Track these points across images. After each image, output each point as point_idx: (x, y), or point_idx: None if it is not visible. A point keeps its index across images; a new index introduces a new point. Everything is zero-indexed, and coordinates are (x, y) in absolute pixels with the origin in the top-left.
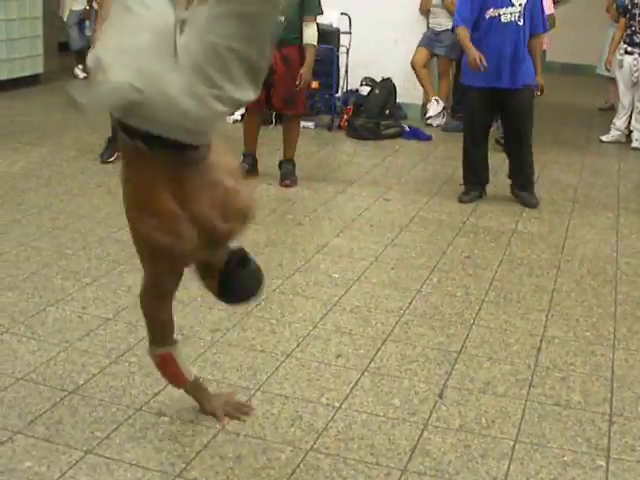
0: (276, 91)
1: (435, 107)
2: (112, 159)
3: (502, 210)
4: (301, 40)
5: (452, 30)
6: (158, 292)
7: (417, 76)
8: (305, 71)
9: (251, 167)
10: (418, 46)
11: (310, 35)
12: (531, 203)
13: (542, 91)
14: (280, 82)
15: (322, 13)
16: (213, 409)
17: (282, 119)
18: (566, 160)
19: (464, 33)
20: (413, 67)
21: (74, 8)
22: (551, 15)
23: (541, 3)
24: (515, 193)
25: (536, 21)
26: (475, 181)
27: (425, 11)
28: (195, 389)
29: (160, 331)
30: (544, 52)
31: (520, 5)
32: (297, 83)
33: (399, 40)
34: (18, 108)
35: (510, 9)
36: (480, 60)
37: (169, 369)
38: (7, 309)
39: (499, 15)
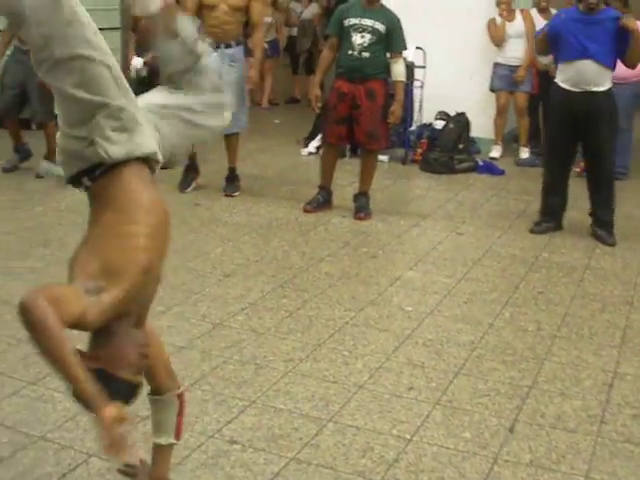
0: (359, 125)
1: (499, 150)
2: (189, 189)
3: (575, 245)
4: (385, 75)
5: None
6: None
7: (495, 121)
8: (396, 107)
9: (325, 200)
10: (495, 90)
11: (399, 71)
12: (607, 242)
13: None
14: (364, 117)
15: (407, 48)
16: None
17: (360, 152)
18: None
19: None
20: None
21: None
22: None
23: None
24: (594, 230)
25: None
26: (548, 212)
27: (498, 42)
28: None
29: None
30: None
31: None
32: (388, 120)
33: (474, 74)
34: None
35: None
36: None
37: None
38: (82, 334)
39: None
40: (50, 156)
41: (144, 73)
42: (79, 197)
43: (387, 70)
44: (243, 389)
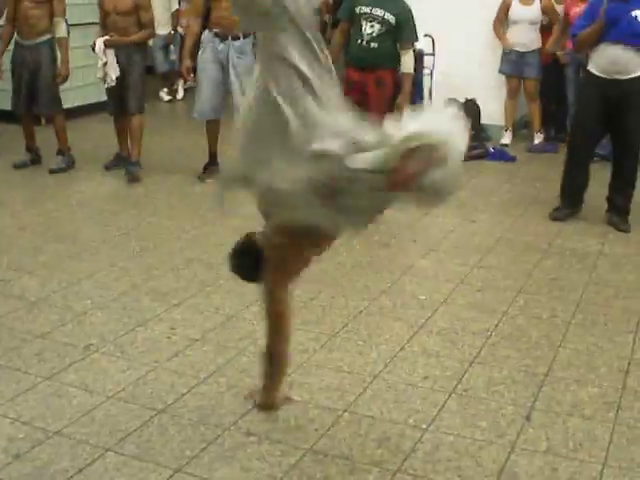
0: (369, 114)
1: (509, 137)
2: (209, 181)
3: (588, 231)
4: (395, 64)
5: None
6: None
7: (505, 105)
8: (402, 99)
9: None
10: (505, 74)
11: (406, 63)
12: (622, 229)
13: None
14: (372, 104)
15: (418, 39)
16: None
17: None
18: None
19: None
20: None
21: (159, 32)
22: None
23: None
24: (609, 217)
25: None
26: (569, 198)
27: (498, 28)
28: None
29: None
30: None
31: None
32: (393, 111)
33: (483, 61)
34: (103, 132)
35: None
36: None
37: None
38: (97, 329)
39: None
40: (64, 150)
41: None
42: (90, 192)
43: (397, 60)
44: (258, 381)
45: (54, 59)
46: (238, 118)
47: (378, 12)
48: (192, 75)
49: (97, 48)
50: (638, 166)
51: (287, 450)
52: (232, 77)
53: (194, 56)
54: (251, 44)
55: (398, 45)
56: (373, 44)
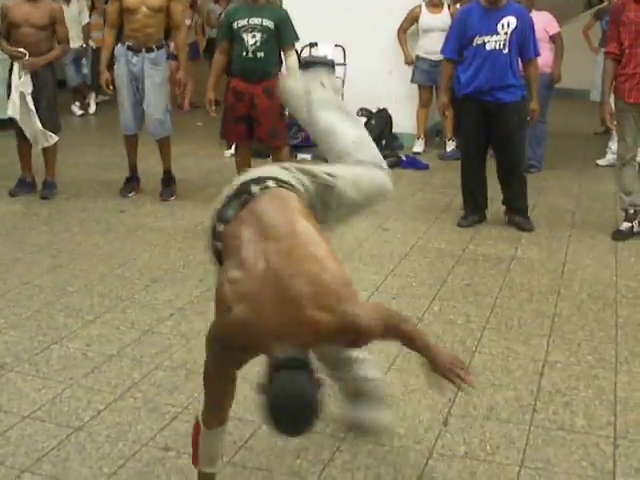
0: (260, 124)
1: (421, 145)
2: (132, 194)
3: (500, 237)
4: (279, 72)
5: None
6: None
7: (417, 114)
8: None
9: None
10: (417, 84)
11: (292, 63)
12: (526, 228)
13: (532, 118)
14: (264, 116)
15: (298, 39)
16: None
17: (269, 153)
18: (563, 185)
19: (446, 70)
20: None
21: (71, 46)
22: (557, 35)
23: (531, 29)
24: (510, 218)
25: (527, 47)
26: (473, 205)
27: (402, 38)
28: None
29: (205, 405)
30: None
31: (505, 33)
32: (283, 113)
33: (393, 70)
34: (13, 148)
35: (495, 37)
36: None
37: (193, 440)
38: (11, 348)
39: (484, 43)
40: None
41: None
42: (2, 209)
43: (281, 67)
44: (175, 395)
45: None
46: None
47: (256, 21)
48: (111, 87)
49: (14, 76)
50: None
51: None
52: (147, 89)
53: (110, 68)
54: (165, 56)
55: (282, 49)
56: (260, 53)
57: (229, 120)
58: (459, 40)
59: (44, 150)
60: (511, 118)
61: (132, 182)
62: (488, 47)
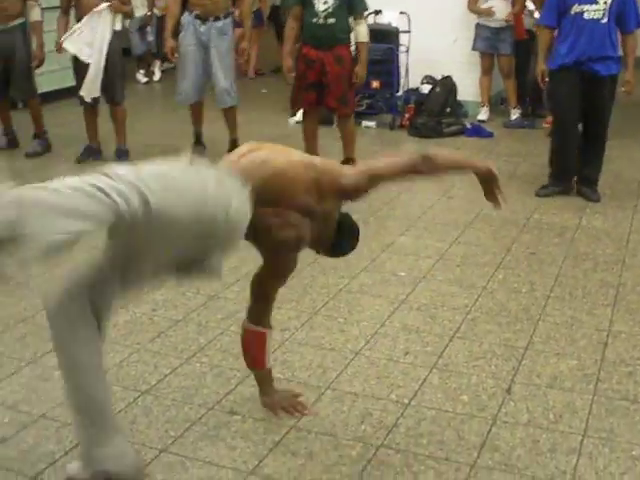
0: (330, 91)
1: (486, 113)
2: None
3: (565, 206)
4: (349, 39)
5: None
6: (284, 274)
7: (480, 82)
8: (360, 69)
9: None
10: (478, 51)
11: (361, 33)
12: (593, 198)
13: (630, 91)
14: (334, 83)
15: (367, 8)
16: (272, 403)
17: (335, 120)
18: (630, 154)
19: (544, 37)
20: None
21: (136, 14)
22: None
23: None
24: (578, 188)
25: (627, 18)
26: (561, 176)
27: (474, 5)
28: (264, 379)
29: (263, 310)
30: None
31: (605, 3)
32: (353, 81)
33: (458, 37)
34: (80, 115)
35: (594, 6)
36: (542, 77)
37: (254, 348)
38: None
39: (582, 12)
40: (39, 133)
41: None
42: (68, 175)
43: (351, 34)
44: (240, 360)
45: (28, 43)
46: None
47: None
48: (176, 55)
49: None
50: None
51: (271, 428)
52: (214, 58)
53: (176, 37)
54: (232, 25)
55: (351, 18)
56: (330, 20)
57: (299, 87)
58: (558, 8)
59: (113, 117)
60: (604, 91)
61: (197, 150)
62: (586, 16)
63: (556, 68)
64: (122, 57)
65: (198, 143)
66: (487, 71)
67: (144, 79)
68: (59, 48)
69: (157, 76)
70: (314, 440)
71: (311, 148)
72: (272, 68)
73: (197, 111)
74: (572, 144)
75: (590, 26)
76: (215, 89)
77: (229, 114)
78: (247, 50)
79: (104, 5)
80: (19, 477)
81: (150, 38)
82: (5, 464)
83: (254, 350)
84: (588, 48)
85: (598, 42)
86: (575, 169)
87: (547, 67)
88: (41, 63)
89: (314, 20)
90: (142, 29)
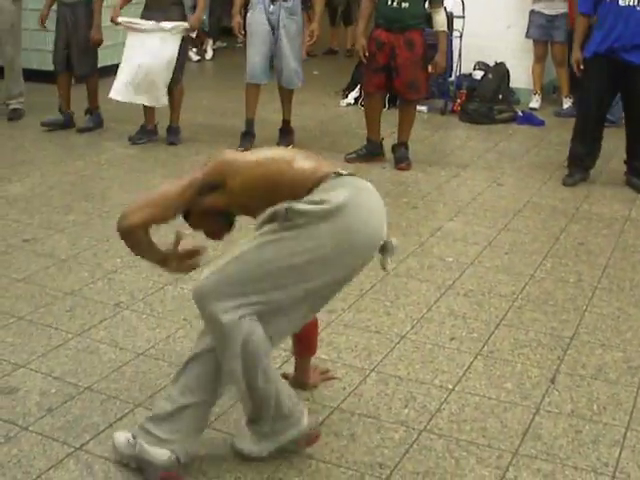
0: (399, 75)
1: (538, 101)
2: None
3: (615, 197)
4: (423, 25)
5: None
6: None
7: (533, 70)
8: (440, 58)
9: (369, 152)
10: (531, 38)
11: (440, 21)
12: None
13: None
14: (403, 67)
15: None
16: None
17: (399, 102)
18: None
19: (581, 25)
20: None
21: None
22: None
23: None
24: (628, 178)
25: None
26: (579, 164)
27: None
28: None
29: None
30: None
31: None
32: (431, 71)
33: (512, 24)
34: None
35: None
36: (578, 65)
37: (311, 335)
38: (127, 287)
39: None
40: (93, 109)
41: None
42: (119, 151)
43: (426, 20)
44: (287, 340)
45: (90, 18)
46: None
47: None
48: (243, 32)
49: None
50: None
51: (315, 408)
52: (283, 39)
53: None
54: (301, 5)
55: (428, 5)
56: (404, 4)
57: (369, 70)
58: None
59: (170, 96)
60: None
61: (247, 138)
62: (621, 2)
63: (590, 56)
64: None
65: (248, 132)
66: (540, 59)
67: (196, 57)
68: (114, 19)
69: (209, 55)
70: (357, 422)
71: (372, 131)
72: (324, 50)
73: (254, 93)
74: (593, 137)
75: (626, 12)
76: (283, 70)
77: (289, 96)
78: (317, 32)
79: (182, 25)
80: (64, 447)
81: (203, 16)
82: (51, 433)
83: (311, 337)
84: (623, 35)
85: (633, 29)
86: (593, 161)
87: (583, 55)
88: (98, 44)
89: (388, 2)
90: (194, 7)
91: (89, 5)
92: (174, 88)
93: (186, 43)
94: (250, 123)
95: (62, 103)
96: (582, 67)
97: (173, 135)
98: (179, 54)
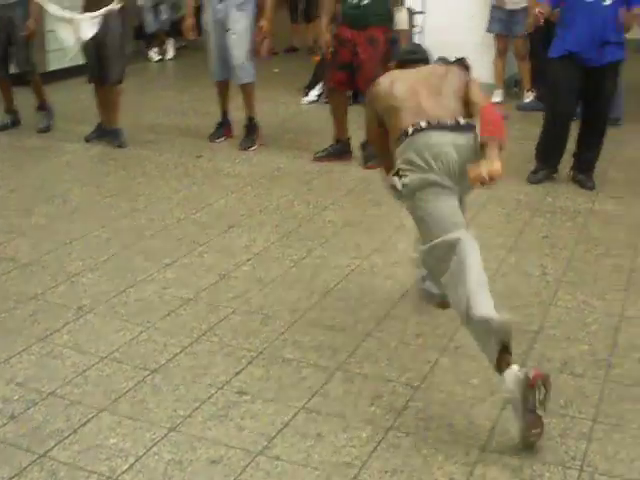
0: (362, 72)
1: (500, 95)
2: (220, 140)
3: (578, 190)
4: (386, 22)
5: None
6: None
7: (494, 64)
8: None
9: (337, 151)
10: (492, 33)
11: (401, 19)
12: (587, 186)
13: None
14: (365, 63)
15: None
16: None
17: (361, 99)
18: None
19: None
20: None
21: None
22: None
23: None
24: (574, 174)
25: None
26: (546, 162)
27: None
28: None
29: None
30: None
31: None
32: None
33: (473, 19)
34: (90, 93)
35: None
36: (540, 13)
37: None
38: (89, 290)
39: None
40: (43, 103)
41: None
42: (80, 154)
43: (389, 17)
44: (251, 340)
45: (27, 18)
46: None
47: None
48: (191, 33)
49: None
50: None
51: (280, 409)
52: (231, 35)
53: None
54: (252, 1)
55: (389, 2)
56: (365, 1)
57: (332, 66)
58: None
59: (106, 96)
60: (607, 80)
61: (222, 128)
62: None
63: (557, 56)
64: (124, 36)
65: (223, 121)
66: (501, 53)
67: (157, 57)
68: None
69: (170, 54)
70: (323, 421)
71: (339, 130)
72: (285, 48)
73: (221, 89)
74: (562, 136)
75: (591, 8)
76: (233, 66)
77: (245, 91)
78: (265, 29)
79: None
80: (28, 454)
81: (164, 16)
82: (14, 441)
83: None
84: (588, 32)
85: (599, 26)
86: (559, 160)
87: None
88: (33, 34)
89: (349, 0)
90: (156, 7)
91: (24, 4)
92: (110, 89)
93: (122, 37)
94: (223, 113)
95: (7, 104)
96: (550, 66)
97: (112, 136)
98: (114, 47)
